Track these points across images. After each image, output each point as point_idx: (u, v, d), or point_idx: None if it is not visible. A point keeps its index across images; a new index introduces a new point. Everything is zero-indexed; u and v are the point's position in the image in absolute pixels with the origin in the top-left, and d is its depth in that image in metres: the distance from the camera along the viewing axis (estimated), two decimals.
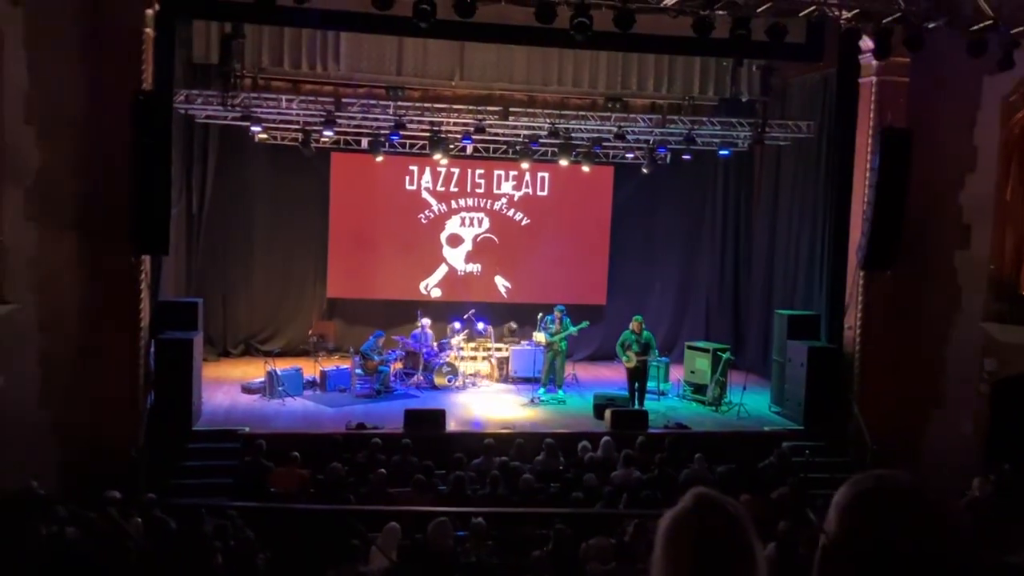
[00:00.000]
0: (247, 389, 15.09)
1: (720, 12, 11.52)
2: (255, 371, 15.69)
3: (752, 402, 15.32)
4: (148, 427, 12.33)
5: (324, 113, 14.92)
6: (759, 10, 11.67)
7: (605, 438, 12.49)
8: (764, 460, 12.22)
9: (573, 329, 15.54)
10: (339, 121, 15.14)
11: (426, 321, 16.27)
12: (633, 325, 14.86)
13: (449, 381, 15.80)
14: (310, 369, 15.67)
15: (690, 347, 16.33)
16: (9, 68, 11.65)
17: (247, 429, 12.87)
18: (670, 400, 15.81)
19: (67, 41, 12.03)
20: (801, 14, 12.07)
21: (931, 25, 11.75)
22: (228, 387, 15.29)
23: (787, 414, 14.82)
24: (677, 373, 16.53)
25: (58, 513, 7.90)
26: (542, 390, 15.45)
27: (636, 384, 14.76)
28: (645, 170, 17.40)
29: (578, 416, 14.56)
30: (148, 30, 12.23)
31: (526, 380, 15.96)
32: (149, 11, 12.17)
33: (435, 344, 16.29)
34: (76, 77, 12.08)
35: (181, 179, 15.68)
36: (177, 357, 12.74)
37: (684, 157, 17.09)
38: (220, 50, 14.93)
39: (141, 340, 12.50)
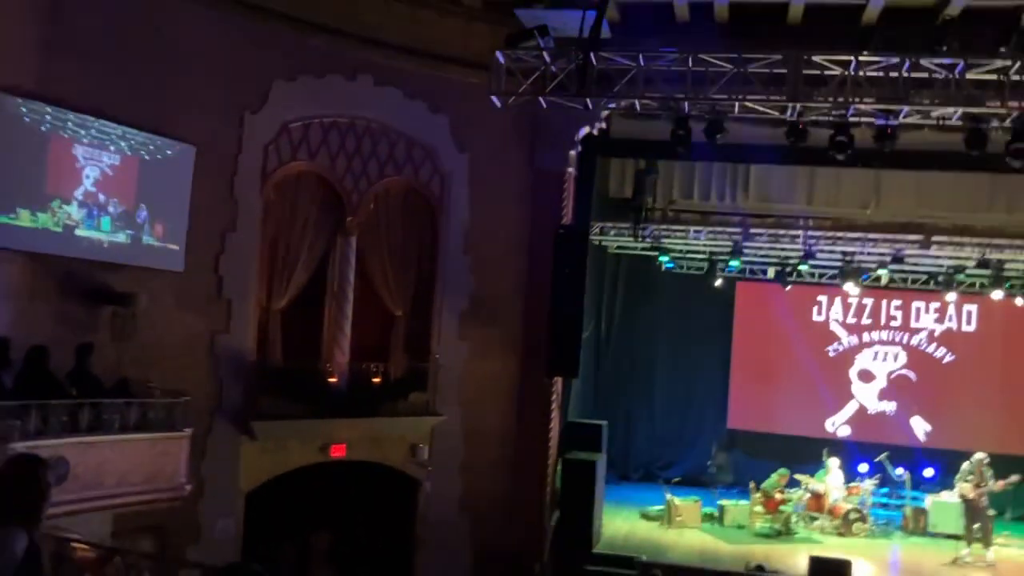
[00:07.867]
0: (645, 515, 15.17)
1: None
2: (654, 497, 15.73)
3: None
4: (552, 543, 12.80)
5: (731, 243, 15.02)
6: None
7: None
8: None
9: (993, 485, 13.62)
10: (745, 250, 15.15)
11: (833, 461, 15.35)
12: None
13: (857, 530, 14.66)
14: (707, 500, 15.42)
15: None
16: (453, 204, 13.30)
17: (644, 557, 12.82)
18: None
19: (502, 181, 13.44)
20: None
21: None
22: (627, 511, 15.46)
23: None
24: None
25: None
26: (967, 549, 13.74)
27: None
28: None
29: None
30: (571, 169, 13.30)
31: (948, 536, 14.33)
32: (573, 152, 13.24)
33: (843, 487, 15.24)
34: (507, 213, 13.41)
35: (592, 305, 16.53)
36: (582, 477, 13.19)
37: None
38: (634, 185, 15.67)
39: (549, 458, 13.15)
